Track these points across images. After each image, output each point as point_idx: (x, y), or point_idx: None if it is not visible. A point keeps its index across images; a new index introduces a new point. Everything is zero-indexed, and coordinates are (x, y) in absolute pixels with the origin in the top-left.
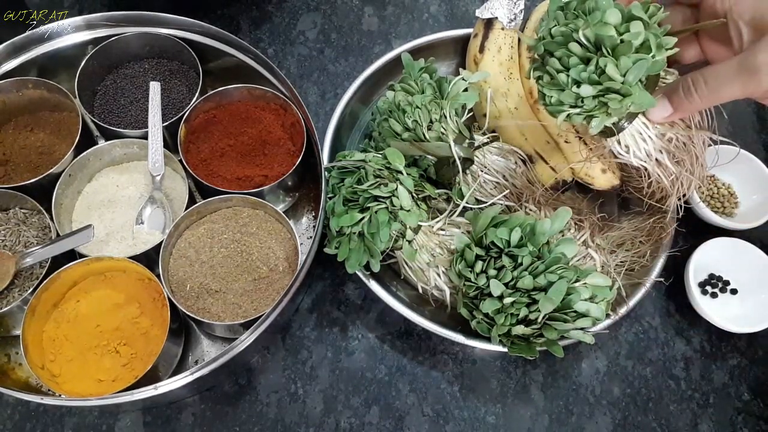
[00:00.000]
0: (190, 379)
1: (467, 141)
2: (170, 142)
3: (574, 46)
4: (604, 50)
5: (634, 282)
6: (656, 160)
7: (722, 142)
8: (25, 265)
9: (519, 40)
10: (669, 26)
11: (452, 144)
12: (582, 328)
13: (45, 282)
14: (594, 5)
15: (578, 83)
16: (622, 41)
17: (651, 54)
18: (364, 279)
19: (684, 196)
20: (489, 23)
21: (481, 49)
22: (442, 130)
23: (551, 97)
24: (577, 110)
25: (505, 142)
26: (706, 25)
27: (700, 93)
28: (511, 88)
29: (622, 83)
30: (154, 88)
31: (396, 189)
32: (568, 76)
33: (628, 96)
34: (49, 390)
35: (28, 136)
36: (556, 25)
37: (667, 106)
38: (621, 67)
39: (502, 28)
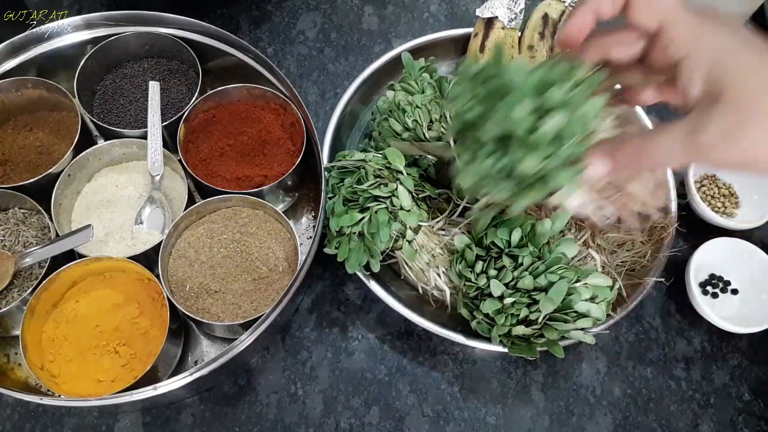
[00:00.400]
0: (189, 379)
1: None
2: (170, 142)
3: (484, 134)
4: (515, 144)
5: (635, 282)
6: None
7: None
8: (25, 265)
9: (519, 39)
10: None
11: (452, 144)
12: (582, 329)
13: (44, 282)
14: (503, 87)
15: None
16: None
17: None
18: (364, 279)
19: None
20: (489, 23)
21: (482, 49)
22: (443, 129)
23: (468, 176)
24: (496, 192)
25: None
26: (649, 81)
27: (645, 163)
28: None
29: (540, 174)
30: (154, 87)
31: (396, 189)
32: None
33: (550, 182)
34: (48, 390)
35: (27, 135)
36: (468, 104)
37: (607, 165)
38: (536, 158)
39: (503, 28)
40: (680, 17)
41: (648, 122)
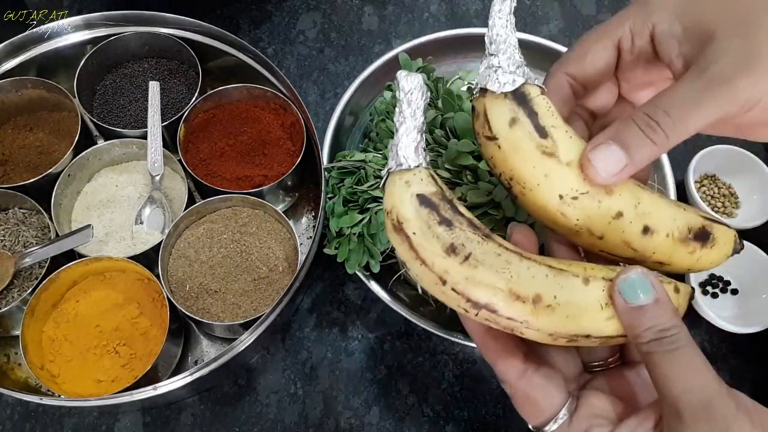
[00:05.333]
0: (189, 379)
1: None
2: (169, 142)
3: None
4: (465, 177)
5: None
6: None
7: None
8: (25, 265)
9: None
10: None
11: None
12: None
13: (44, 282)
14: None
15: None
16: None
17: None
18: (364, 279)
19: None
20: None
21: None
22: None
23: None
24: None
25: None
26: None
27: (665, 126)
28: None
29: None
30: (154, 87)
31: None
32: None
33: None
34: (48, 390)
35: (27, 135)
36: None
37: (619, 155)
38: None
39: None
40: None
41: None
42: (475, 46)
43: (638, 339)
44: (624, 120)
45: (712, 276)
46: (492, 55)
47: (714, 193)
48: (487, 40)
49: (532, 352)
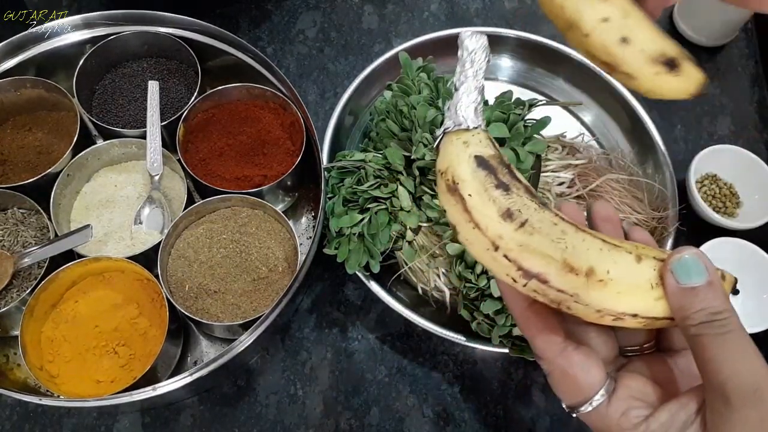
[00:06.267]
0: (188, 380)
1: None
2: (169, 142)
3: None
4: None
5: None
6: None
7: (721, 141)
8: (24, 266)
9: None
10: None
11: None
12: None
13: (43, 282)
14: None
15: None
16: None
17: None
18: (363, 280)
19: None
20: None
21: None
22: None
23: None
24: None
25: None
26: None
27: None
28: None
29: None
30: (153, 87)
31: (396, 190)
32: None
33: None
34: (47, 391)
35: (26, 135)
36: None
37: None
38: None
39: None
40: None
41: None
42: None
43: (687, 321)
44: None
45: None
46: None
47: (715, 192)
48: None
49: (570, 331)
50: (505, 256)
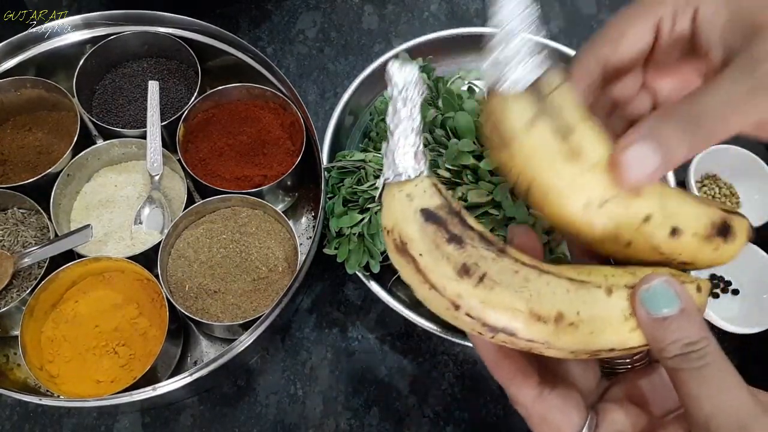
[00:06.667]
0: (188, 380)
1: None
2: (169, 142)
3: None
4: (466, 177)
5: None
6: None
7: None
8: (24, 266)
9: None
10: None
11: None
12: None
13: (43, 282)
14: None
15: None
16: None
17: None
18: (364, 280)
19: None
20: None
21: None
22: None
23: None
24: None
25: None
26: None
27: (706, 125)
28: None
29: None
30: (153, 87)
31: None
32: None
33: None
34: (47, 391)
35: (26, 135)
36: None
37: (654, 155)
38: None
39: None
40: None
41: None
42: (476, 45)
43: (663, 353)
44: (660, 115)
45: (713, 276)
46: (499, 46)
47: (715, 193)
48: (492, 27)
49: (546, 366)
50: (468, 314)
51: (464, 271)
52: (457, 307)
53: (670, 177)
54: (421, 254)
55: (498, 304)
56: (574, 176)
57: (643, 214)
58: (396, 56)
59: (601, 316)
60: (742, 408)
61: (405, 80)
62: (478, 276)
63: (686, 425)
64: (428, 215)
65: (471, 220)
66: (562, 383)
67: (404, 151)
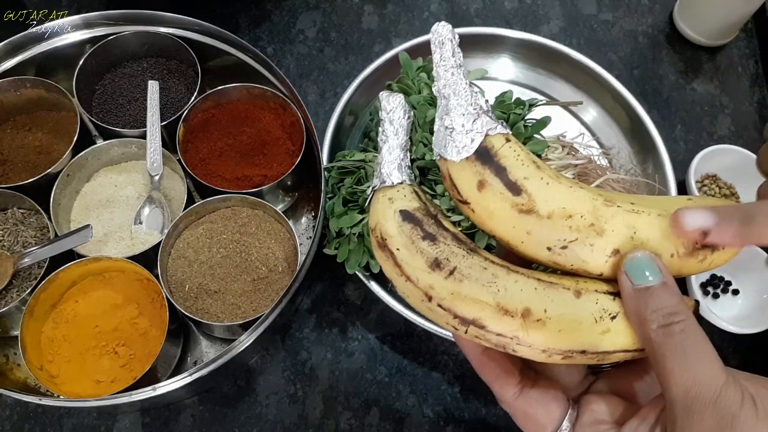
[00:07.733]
0: (188, 380)
1: None
2: (169, 142)
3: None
4: None
5: None
6: None
7: (721, 141)
8: (24, 266)
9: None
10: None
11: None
12: None
13: (43, 282)
14: None
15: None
16: None
17: None
18: (364, 280)
19: None
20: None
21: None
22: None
23: None
24: None
25: None
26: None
27: (748, 228)
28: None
29: None
30: (153, 87)
31: None
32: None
33: None
34: (47, 391)
35: (26, 135)
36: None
37: (708, 214)
38: None
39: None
40: None
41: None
42: (476, 45)
43: (645, 326)
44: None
45: (713, 277)
46: (444, 114)
47: (715, 193)
48: (435, 93)
49: (529, 365)
50: (440, 306)
51: (436, 264)
52: (429, 298)
53: (671, 177)
54: (398, 249)
55: (467, 296)
56: (530, 228)
57: (610, 250)
58: (397, 55)
59: (569, 316)
60: (716, 379)
61: (392, 105)
62: (448, 269)
63: (659, 406)
64: (406, 215)
65: (447, 223)
66: (543, 380)
67: (389, 163)
